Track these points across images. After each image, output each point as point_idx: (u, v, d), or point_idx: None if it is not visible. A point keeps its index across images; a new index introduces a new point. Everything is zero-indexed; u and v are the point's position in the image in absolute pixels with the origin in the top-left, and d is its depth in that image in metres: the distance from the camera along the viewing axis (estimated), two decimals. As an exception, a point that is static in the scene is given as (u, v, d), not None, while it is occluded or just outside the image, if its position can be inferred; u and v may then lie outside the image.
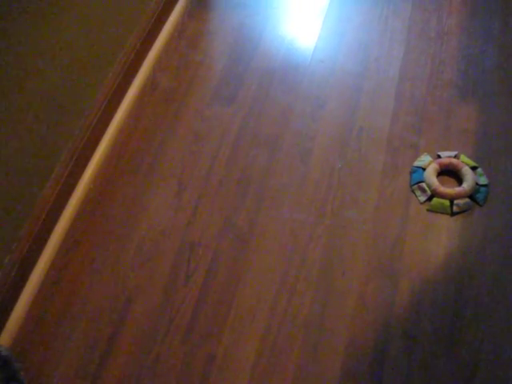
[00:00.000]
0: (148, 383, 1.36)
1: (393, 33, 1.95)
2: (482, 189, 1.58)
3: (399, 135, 1.71)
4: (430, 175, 1.60)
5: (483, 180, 1.59)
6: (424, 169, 1.62)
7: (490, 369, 1.34)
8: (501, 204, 1.56)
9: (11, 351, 1.38)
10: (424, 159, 1.64)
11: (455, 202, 1.55)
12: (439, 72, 1.84)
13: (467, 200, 1.56)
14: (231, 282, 1.49)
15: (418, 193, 1.59)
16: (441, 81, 1.82)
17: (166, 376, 1.37)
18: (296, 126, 1.75)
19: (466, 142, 1.68)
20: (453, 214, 1.56)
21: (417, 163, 1.64)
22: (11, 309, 1.44)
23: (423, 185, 1.59)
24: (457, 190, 1.57)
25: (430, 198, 1.58)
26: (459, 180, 1.62)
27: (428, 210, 1.57)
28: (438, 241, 1.52)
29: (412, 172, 1.63)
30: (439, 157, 1.65)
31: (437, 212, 1.56)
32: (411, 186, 1.61)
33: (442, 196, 1.57)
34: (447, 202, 1.56)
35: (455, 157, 1.64)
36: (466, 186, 1.57)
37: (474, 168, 1.62)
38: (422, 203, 1.58)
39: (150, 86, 1.88)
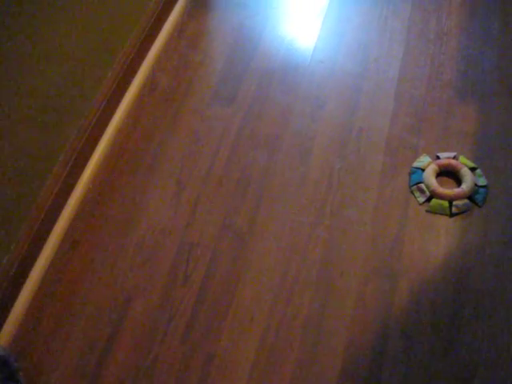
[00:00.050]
0: (147, 383, 1.36)
1: (392, 33, 1.95)
2: (481, 190, 1.58)
3: (398, 136, 1.71)
4: (429, 176, 1.60)
5: (482, 181, 1.59)
6: (423, 170, 1.62)
7: (489, 369, 1.34)
8: (500, 205, 1.57)
9: (9, 351, 1.38)
10: (423, 160, 1.64)
11: (454, 202, 1.56)
12: (438, 73, 1.84)
13: (466, 201, 1.56)
14: (230, 282, 1.49)
15: (417, 194, 1.60)
16: (440, 81, 1.82)
17: (164, 376, 1.37)
18: (295, 127, 1.75)
19: (465, 143, 1.68)
20: (452, 214, 1.56)
21: (416, 164, 1.64)
22: (10, 309, 1.44)
23: (422, 186, 1.60)
24: (456, 190, 1.57)
25: (429, 199, 1.58)
26: (458, 181, 1.62)
27: (427, 211, 1.57)
28: (436, 242, 1.52)
29: (411, 173, 1.63)
30: (438, 158, 1.65)
31: (436, 213, 1.56)
32: (410, 186, 1.61)
33: (441, 197, 1.57)
34: (446, 203, 1.56)
35: (454, 158, 1.65)
36: (465, 186, 1.57)
37: (473, 169, 1.62)
38: (420, 204, 1.58)
39: (150, 85, 1.87)
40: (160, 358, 1.39)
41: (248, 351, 1.39)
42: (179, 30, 2.01)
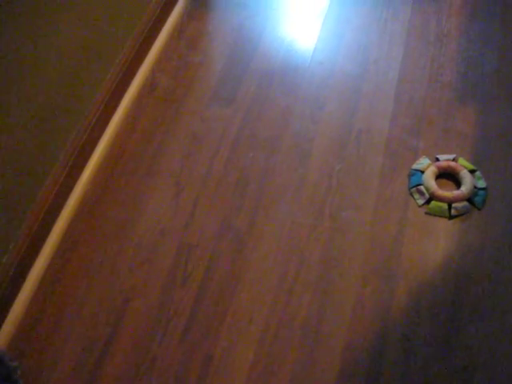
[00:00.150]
0: (145, 383, 1.37)
1: (392, 35, 1.95)
2: (481, 192, 1.58)
3: (398, 137, 1.71)
4: (429, 178, 1.60)
5: (481, 183, 1.60)
6: (422, 172, 1.62)
7: (487, 372, 1.34)
8: (499, 207, 1.57)
9: (5, 351, 1.38)
10: (422, 162, 1.64)
11: (453, 205, 1.56)
12: (438, 74, 1.84)
13: (465, 203, 1.56)
14: (229, 283, 1.49)
15: (417, 196, 1.60)
16: (440, 83, 1.82)
17: (163, 376, 1.37)
18: (295, 128, 1.75)
19: (464, 145, 1.68)
20: (451, 217, 1.56)
21: (415, 166, 1.64)
22: (9, 309, 1.44)
23: (421, 188, 1.60)
24: (455, 193, 1.57)
25: (428, 201, 1.58)
26: (457, 183, 1.62)
27: (426, 213, 1.57)
28: (435, 244, 1.52)
29: (410, 175, 1.63)
30: (438, 160, 1.65)
31: (435, 215, 1.56)
32: (409, 188, 1.61)
33: (441, 199, 1.57)
34: (445, 205, 1.56)
35: (454, 160, 1.65)
36: (465, 189, 1.57)
37: (472, 171, 1.62)
38: (420, 206, 1.58)
39: (149, 86, 1.87)
40: (158, 358, 1.39)
41: (247, 352, 1.39)
42: (179, 31, 2.01)
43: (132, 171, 1.69)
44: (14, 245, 1.43)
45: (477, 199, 1.57)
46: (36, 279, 1.50)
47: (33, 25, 1.32)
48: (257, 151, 1.71)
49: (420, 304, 1.44)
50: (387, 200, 1.60)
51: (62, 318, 1.46)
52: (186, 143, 1.73)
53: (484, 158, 1.65)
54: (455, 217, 1.56)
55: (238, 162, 1.69)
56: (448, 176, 1.64)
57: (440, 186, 1.61)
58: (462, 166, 1.62)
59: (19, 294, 1.46)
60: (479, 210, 1.57)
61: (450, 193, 1.57)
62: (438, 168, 1.62)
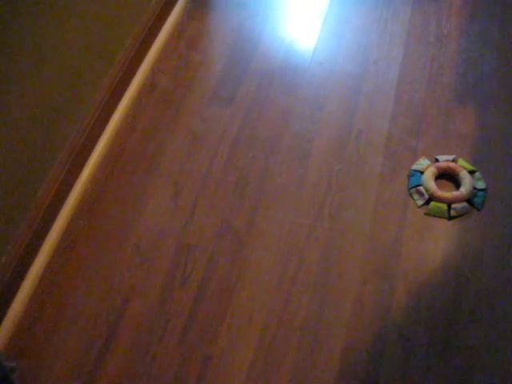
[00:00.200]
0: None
1: (392, 35, 1.95)
2: (480, 193, 1.58)
3: (397, 138, 1.71)
4: (428, 179, 1.60)
5: (481, 184, 1.60)
6: (422, 172, 1.62)
7: (486, 372, 1.34)
8: (498, 208, 1.57)
9: (4, 352, 1.38)
10: (422, 163, 1.64)
11: (453, 206, 1.56)
12: (438, 75, 1.84)
13: (465, 204, 1.56)
14: (228, 284, 1.48)
15: (416, 196, 1.60)
16: (440, 84, 1.82)
17: (162, 377, 1.37)
18: (295, 128, 1.75)
19: (464, 146, 1.68)
20: (450, 218, 1.56)
21: (415, 167, 1.64)
22: (7, 309, 1.43)
23: (421, 188, 1.60)
24: (454, 194, 1.57)
25: (427, 202, 1.58)
26: (457, 184, 1.62)
27: (425, 214, 1.57)
28: (435, 244, 1.52)
29: (410, 175, 1.63)
30: (437, 160, 1.65)
31: (434, 216, 1.56)
32: (409, 189, 1.61)
33: (440, 200, 1.57)
34: (445, 206, 1.56)
35: (453, 161, 1.65)
36: (464, 190, 1.57)
37: (471, 172, 1.62)
38: (419, 207, 1.58)
39: (149, 86, 1.87)
40: (158, 358, 1.39)
41: (246, 352, 1.39)
42: (179, 31, 2.01)
43: (132, 170, 1.69)
44: (13, 244, 1.43)
45: (476, 200, 1.57)
46: (35, 279, 1.50)
47: (33, 25, 1.32)
48: (256, 151, 1.71)
49: (419, 304, 1.44)
50: (387, 200, 1.60)
51: (61, 318, 1.45)
52: (186, 143, 1.73)
53: (483, 158, 1.65)
54: (454, 217, 1.56)
55: (237, 162, 1.69)
56: (447, 177, 1.64)
57: (439, 186, 1.61)
58: (462, 166, 1.62)
59: (18, 294, 1.46)
60: (478, 210, 1.57)
61: (450, 193, 1.57)
62: (438, 169, 1.62)
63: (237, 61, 1.91)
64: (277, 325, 1.42)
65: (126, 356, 1.40)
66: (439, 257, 1.50)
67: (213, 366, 1.38)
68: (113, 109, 1.76)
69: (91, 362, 1.39)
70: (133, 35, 1.82)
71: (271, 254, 1.52)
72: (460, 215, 1.56)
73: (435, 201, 1.57)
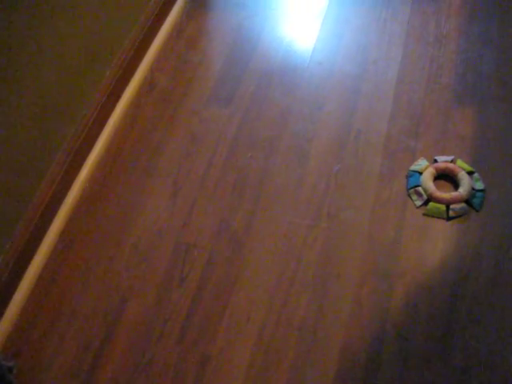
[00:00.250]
0: (142, 384, 1.36)
1: (391, 35, 1.95)
2: (478, 194, 1.58)
3: (396, 138, 1.71)
4: (427, 179, 1.60)
5: (479, 185, 1.59)
6: (421, 173, 1.62)
7: (484, 373, 1.34)
8: (497, 209, 1.57)
9: (1, 352, 1.38)
10: (421, 163, 1.64)
11: (451, 206, 1.56)
12: (437, 75, 1.84)
13: (463, 205, 1.56)
14: (226, 284, 1.48)
15: (415, 197, 1.59)
16: (439, 84, 1.82)
17: (160, 377, 1.37)
18: (294, 128, 1.75)
19: (462, 147, 1.68)
20: (449, 218, 1.56)
21: (413, 167, 1.64)
22: (5, 308, 1.43)
23: (419, 189, 1.60)
24: (453, 194, 1.57)
25: (426, 203, 1.58)
26: (456, 185, 1.62)
27: (424, 215, 1.57)
28: (433, 245, 1.52)
29: (408, 176, 1.63)
30: (436, 161, 1.65)
31: (433, 216, 1.56)
32: (408, 189, 1.61)
33: (439, 200, 1.57)
34: (443, 207, 1.56)
35: (452, 161, 1.65)
36: (463, 190, 1.57)
37: (470, 173, 1.62)
38: (418, 207, 1.58)
39: (148, 85, 1.87)
40: (155, 358, 1.39)
41: (244, 352, 1.39)
42: (178, 30, 2.01)
43: (130, 170, 1.68)
44: (11, 244, 1.43)
45: (475, 201, 1.57)
46: (33, 278, 1.50)
47: (32, 25, 1.32)
48: (255, 151, 1.71)
49: (418, 305, 1.43)
50: (385, 201, 1.60)
51: (59, 318, 1.45)
52: (185, 143, 1.73)
53: (482, 159, 1.65)
54: (453, 218, 1.56)
55: (236, 162, 1.69)
56: (446, 177, 1.64)
57: (438, 187, 1.61)
58: (460, 167, 1.62)
59: (16, 293, 1.46)
60: (477, 211, 1.56)
61: (448, 194, 1.57)
62: (436, 169, 1.62)
63: (236, 61, 1.91)
64: (275, 325, 1.42)
65: (124, 355, 1.39)
66: (438, 257, 1.50)
67: (211, 366, 1.37)
68: (111, 108, 1.76)
69: (89, 362, 1.39)
70: (132, 35, 1.82)
71: (270, 254, 1.52)
72: (458, 216, 1.56)
73: (434, 201, 1.57)
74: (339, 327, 1.41)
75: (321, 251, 1.52)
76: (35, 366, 1.39)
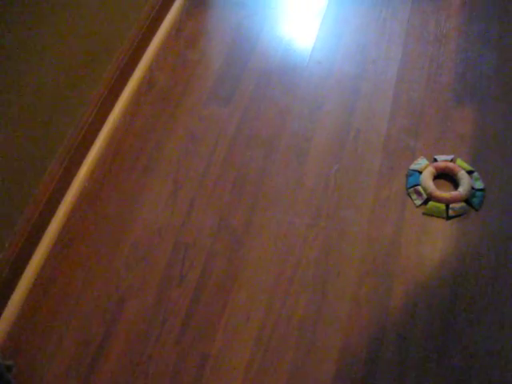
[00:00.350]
0: (141, 383, 1.36)
1: (391, 35, 1.95)
2: (478, 193, 1.58)
3: (396, 138, 1.71)
4: (426, 179, 1.60)
5: (479, 184, 1.59)
6: (420, 172, 1.62)
7: (483, 373, 1.34)
8: (496, 208, 1.57)
9: (0, 350, 1.38)
10: (420, 162, 1.64)
11: (451, 205, 1.56)
12: (437, 75, 1.84)
13: (463, 204, 1.56)
14: (226, 283, 1.48)
15: (414, 196, 1.59)
16: (438, 84, 1.82)
17: (159, 376, 1.36)
18: (293, 127, 1.75)
19: (462, 146, 1.68)
20: (448, 217, 1.56)
21: (413, 166, 1.64)
22: (4, 307, 1.43)
23: (419, 188, 1.59)
24: (453, 193, 1.57)
25: (425, 202, 1.58)
26: (455, 184, 1.62)
27: (424, 214, 1.57)
28: (433, 244, 1.52)
29: (408, 175, 1.63)
30: (435, 160, 1.65)
31: (432, 216, 1.56)
32: (407, 189, 1.61)
33: (438, 200, 1.57)
34: (443, 206, 1.56)
35: (451, 161, 1.65)
36: (462, 190, 1.57)
37: (470, 172, 1.62)
38: (417, 207, 1.58)
39: (147, 84, 1.87)
40: (154, 358, 1.39)
41: (243, 352, 1.39)
42: (177, 29, 2.00)
43: (129, 169, 1.68)
44: (10, 242, 1.43)
45: (474, 200, 1.57)
46: (32, 277, 1.50)
47: (29, 23, 1.32)
48: (254, 150, 1.70)
49: (417, 304, 1.43)
50: (385, 200, 1.60)
51: (57, 317, 1.45)
52: (184, 142, 1.73)
53: (482, 158, 1.65)
54: (453, 217, 1.56)
55: (235, 161, 1.69)
56: (446, 177, 1.64)
57: (438, 186, 1.61)
58: (460, 166, 1.62)
59: (15, 292, 1.46)
60: (477, 210, 1.57)
61: (448, 193, 1.57)
62: (436, 169, 1.62)
63: (235, 60, 1.91)
64: (274, 324, 1.42)
65: (123, 355, 1.39)
66: (437, 256, 1.50)
67: (210, 366, 1.37)
68: (111, 107, 1.76)
69: (88, 361, 1.39)
70: (131, 34, 1.81)
71: (269, 253, 1.52)
72: (458, 215, 1.56)
73: (433, 201, 1.57)
74: (338, 326, 1.41)
75: (320, 250, 1.52)
76: (34, 365, 1.39)
